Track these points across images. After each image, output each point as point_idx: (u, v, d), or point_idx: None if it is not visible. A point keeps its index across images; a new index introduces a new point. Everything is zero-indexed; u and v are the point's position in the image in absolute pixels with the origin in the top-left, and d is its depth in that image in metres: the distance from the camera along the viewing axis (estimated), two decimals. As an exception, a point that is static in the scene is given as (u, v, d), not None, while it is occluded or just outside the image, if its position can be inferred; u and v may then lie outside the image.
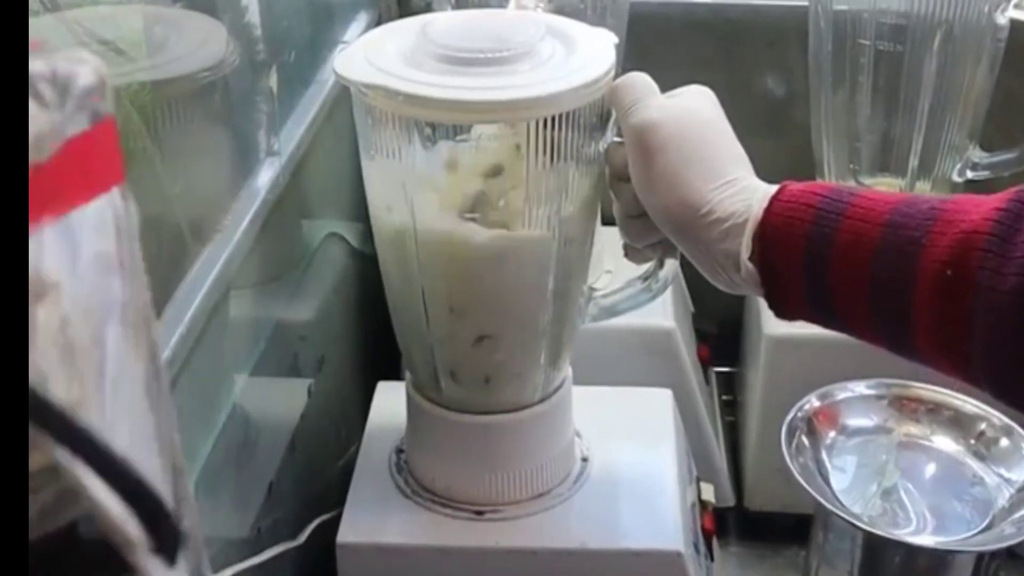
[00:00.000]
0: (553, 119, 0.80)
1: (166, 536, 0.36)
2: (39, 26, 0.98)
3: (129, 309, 0.40)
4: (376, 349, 1.15)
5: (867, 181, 1.21)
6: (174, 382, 0.69)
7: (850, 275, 0.73)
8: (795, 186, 0.77)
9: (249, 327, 0.87)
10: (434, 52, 0.81)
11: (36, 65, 0.35)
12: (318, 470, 1.03)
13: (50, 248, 0.35)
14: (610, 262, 1.21)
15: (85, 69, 0.37)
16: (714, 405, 1.36)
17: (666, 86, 1.30)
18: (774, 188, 0.77)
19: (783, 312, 0.78)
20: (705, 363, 1.34)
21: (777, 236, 0.75)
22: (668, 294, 1.19)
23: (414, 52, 0.83)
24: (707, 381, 1.34)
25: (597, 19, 1.06)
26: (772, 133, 1.36)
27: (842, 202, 0.74)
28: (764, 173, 1.33)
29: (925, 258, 0.69)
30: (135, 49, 0.87)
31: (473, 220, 0.83)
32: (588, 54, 0.83)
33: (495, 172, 0.83)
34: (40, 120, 0.35)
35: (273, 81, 0.88)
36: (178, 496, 0.46)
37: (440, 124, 0.81)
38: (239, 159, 0.90)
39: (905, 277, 0.70)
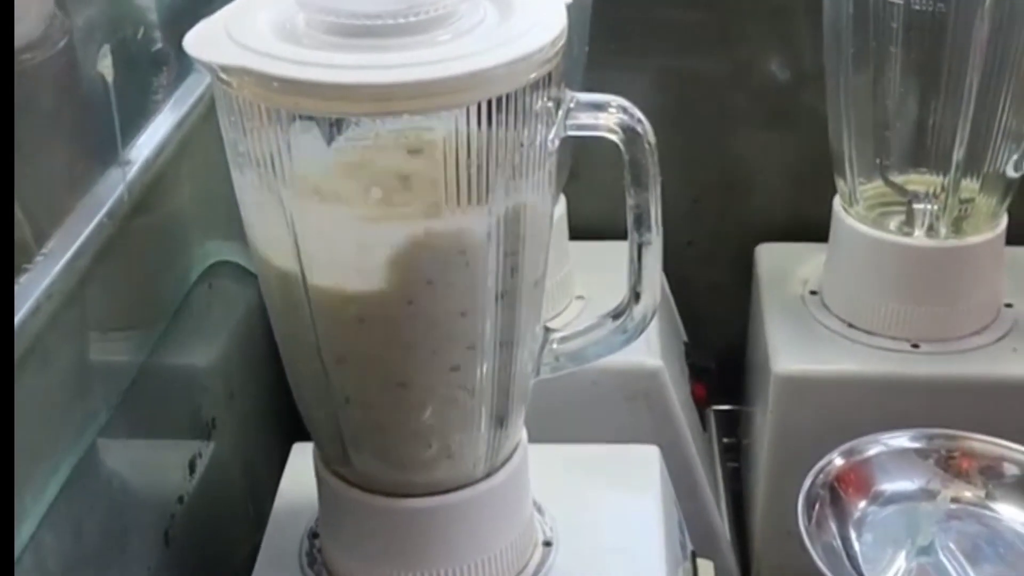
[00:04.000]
0: (482, 107, 0.60)
1: None
2: None
3: None
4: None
5: (899, 180, 1.03)
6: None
7: None
8: None
9: (82, 389, 0.67)
10: (317, 21, 0.63)
11: None
12: (209, 561, 0.84)
13: None
14: (582, 287, 1.05)
15: None
16: (713, 455, 1.19)
17: (648, 70, 1.18)
18: None
19: None
20: (701, 403, 1.16)
21: None
22: (655, 326, 1.02)
23: (292, 23, 0.64)
24: (704, 426, 1.16)
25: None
26: (780, 124, 1.21)
27: None
28: (773, 171, 1.20)
29: None
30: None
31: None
32: (530, 18, 0.64)
33: (401, 179, 0.63)
34: None
35: (106, 66, 0.68)
36: None
37: (324, 118, 0.60)
38: (78, 169, 0.70)
39: None
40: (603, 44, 1.05)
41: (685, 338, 1.21)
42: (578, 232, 1.06)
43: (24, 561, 0.59)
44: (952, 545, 0.84)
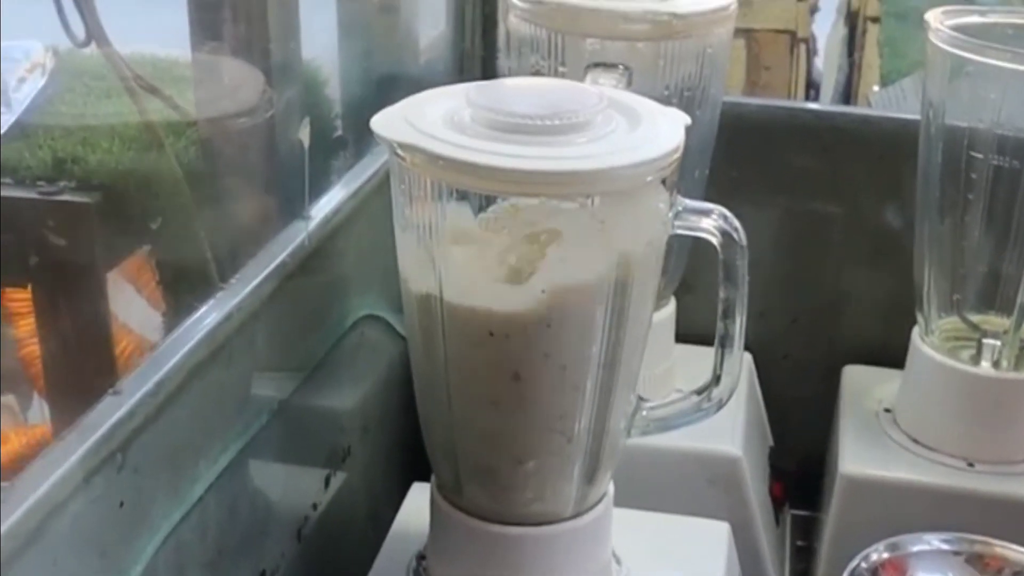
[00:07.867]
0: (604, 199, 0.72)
1: None
2: (81, 57, 0.94)
3: None
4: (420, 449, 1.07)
5: (974, 318, 1.11)
6: (135, 435, 0.63)
7: None
8: None
9: (251, 391, 0.79)
10: (481, 117, 0.75)
11: None
12: (330, 566, 0.95)
13: None
14: (682, 381, 1.10)
15: None
16: (784, 549, 1.25)
17: (764, 197, 1.27)
18: None
19: None
20: (778, 502, 1.24)
21: None
22: (742, 422, 1.13)
23: (457, 116, 0.76)
24: (777, 522, 1.24)
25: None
26: (876, 259, 1.28)
27: None
28: (866, 301, 1.29)
29: None
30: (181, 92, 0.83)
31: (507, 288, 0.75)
32: (653, 131, 0.75)
33: (532, 250, 0.74)
34: None
35: (305, 134, 0.81)
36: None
37: (475, 193, 0.73)
38: (267, 217, 0.84)
39: None
40: (724, 173, 1.12)
41: (771, 443, 1.28)
42: (687, 337, 1.15)
43: (192, 517, 0.71)
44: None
